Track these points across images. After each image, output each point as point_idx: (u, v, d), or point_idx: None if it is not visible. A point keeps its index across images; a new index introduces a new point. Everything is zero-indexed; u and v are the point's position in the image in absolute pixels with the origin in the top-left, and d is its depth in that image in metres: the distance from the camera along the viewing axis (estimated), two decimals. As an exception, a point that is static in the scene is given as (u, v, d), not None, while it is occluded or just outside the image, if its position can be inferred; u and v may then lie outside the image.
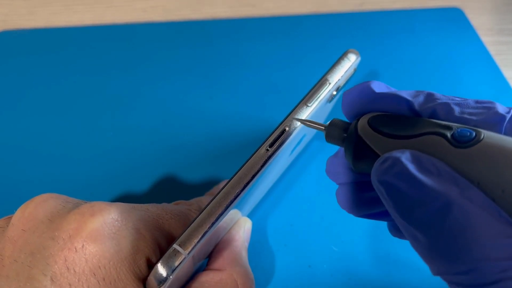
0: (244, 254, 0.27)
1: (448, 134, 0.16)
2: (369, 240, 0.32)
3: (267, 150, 0.23)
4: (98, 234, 0.20)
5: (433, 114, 0.18)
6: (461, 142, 0.15)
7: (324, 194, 0.34)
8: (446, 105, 0.17)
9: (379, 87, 0.19)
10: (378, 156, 0.17)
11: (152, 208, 0.23)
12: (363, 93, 0.19)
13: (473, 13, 0.52)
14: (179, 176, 0.36)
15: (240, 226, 0.28)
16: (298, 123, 0.24)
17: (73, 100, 0.42)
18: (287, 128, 0.24)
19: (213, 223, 0.21)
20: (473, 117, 0.17)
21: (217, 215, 0.21)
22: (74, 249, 0.19)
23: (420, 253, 0.15)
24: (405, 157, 0.16)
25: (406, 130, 0.17)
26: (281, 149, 0.23)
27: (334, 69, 0.26)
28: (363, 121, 0.19)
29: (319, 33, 0.48)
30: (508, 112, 0.16)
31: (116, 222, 0.21)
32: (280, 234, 0.32)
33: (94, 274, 0.19)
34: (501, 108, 0.17)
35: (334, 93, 0.27)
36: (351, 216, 0.32)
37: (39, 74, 0.44)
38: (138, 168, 0.36)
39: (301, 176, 0.36)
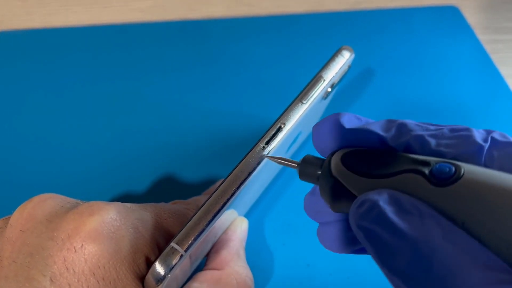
0: (242, 254, 0.27)
1: (426, 171, 0.15)
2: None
3: (263, 147, 0.23)
4: (97, 233, 0.20)
5: (408, 148, 0.17)
6: (441, 179, 0.14)
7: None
8: (421, 138, 0.16)
9: (349, 121, 0.18)
10: (355, 196, 0.16)
11: (150, 208, 0.23)
12: (332, 128, 0.18)
13: (470, 11, 0.52)
14: (177, 175, 0.36)
15: (236, 225, 0.28)
16: (294, 120, 0.24)
17: (70, 100, 0.42)
18: (282, 125, 0.24)
19: (210, 221, 0.21)
20: (450, 150, 0.16)
21: (214, 213, 0.21)
22: (73, 249, 0.19)
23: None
24: (383, 200, 0.15)
25: (382, 168, 0.16)
26: (277, 146, 0.23)
27: (328, 66, 0.26)
28: (336, 159, 0.18)
29: (316, 32, 0.49)
30: (486, 141, 0.15)
31: (115, 222, 0.21)
32: (278, 233, 0.32)
33: (94, 274, 0.19)
34: (478, 136, 0.16)
35: (329, 90, 0.27)
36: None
37: (36, 75, 0.44)
38: (136, 167, 0.36)
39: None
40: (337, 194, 0.17)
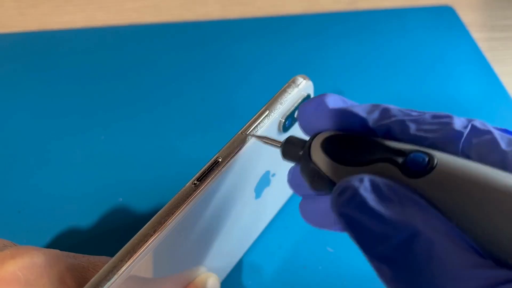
0: None
1: (400, 160, 0.15)
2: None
3: (195, 184, 0.21)
4: (13, 278, 0.19)
5: (388, 132, 0.17)
6: (414, 170, 0.15)
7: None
8: (401, 123, 0.16)
9: (333, 102, 0.18)
10: (333, 182, 0.17)
11: (86, 258, 0.22)
12: (318, 108, 0.18)
13: (465, 10, 0.52)
14: (173, 179, 0.36)
15: (198, 283, 0.25)
16: (233, 154, 0.22)
17: (65, 103, 0.42)
18: (219, 159, 0.22)
19: (120, 272, 0.18)
20: (429, 135, 0.16)
21: (124, 265, 0.18)
22: None
23: (385, 284, 0.15)
24: (364, 187, 0.15)
25: (359, 155, 0.16)
26: (213, 183, 0.21)
27: (276, 97, 0.25)
28: (316, 144, 0.18)
29: (312, 32, 0.49)
30: (465, 128, 0.16)
31: (38, 268, 0.19)
32: (275, 236, 0.33)
33: None
34: (458, 124, 0.16)
35: (282, 120, 0.25)
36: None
37: (30, 78, 0.44)
38: (130, 170, 0.37)
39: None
40: (315, 177, 0.18)
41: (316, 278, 0.30)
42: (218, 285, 0.26)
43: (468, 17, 0.51)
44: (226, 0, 0.53)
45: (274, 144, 0.21)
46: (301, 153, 0.19)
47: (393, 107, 0.17)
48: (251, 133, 0.23)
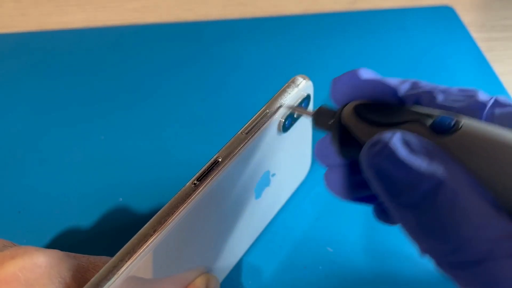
0: None
1: (429, 122, 0.16)
2: (364, 241, 0.32)
3: (194, 184, 0.21)
4: (13, 279, 0.19)
5: (417, 101, 0.18)
6: (441, 130, 0.16)
7: (319, 195, 0.35)
8: (429, 93, 0.18)
9: (366, 73, 0.19)
10: (362, 144, 0.17)
11: (88, 259, 0.22)
12: (350, 80, 0.19)
13: (465, 10, 0.52)
14: (173, 179, 0.36)
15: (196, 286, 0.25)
16: (233, 154, 0.22)
17: (65, 104, 0.42)
18: (219, 159, 0.22)
19: (120, 272, 0.18)
20: (455, 104, 0.17)
21: (124, 265, 0.18)
22: None
23: (409, 233, 0.16)
24: (395, 140, 0.16)
25: (389, 118, 0.17)
26: (212, 183, 0.21)
27: (276, 97, 0.25)
28: (347, 109, 0.19)
29: (312, 32, 0.49)
30: (489, 100, 0.17)
31: (38, 269, 0.19)
32: (275, 236, 0.33)
33: None
34: (482, 96, 0.17)
35: (282, 120, 0.25)
36: (346, 217, 0.33)
37: (30, 78, 0.44)
38: (130, 170, 0.37)
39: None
40: (346, 141, 0.19)
41: (316, 278, 0.30)
42: (218, 286, 0.26)
43: (468, 17, 0.51)
44: (226, 0, 0.53)
45: (306, 113, 0.22)
46: (332, 121, 0.20)
47: (422, 81, 0.19)
48: (283, 104, 0.23)
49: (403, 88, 0.18)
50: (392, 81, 0.19)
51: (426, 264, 0.31)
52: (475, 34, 0.49)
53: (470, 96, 0.17)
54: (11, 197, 0.35)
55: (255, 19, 0.50)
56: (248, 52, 0.46)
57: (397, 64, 0.45)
